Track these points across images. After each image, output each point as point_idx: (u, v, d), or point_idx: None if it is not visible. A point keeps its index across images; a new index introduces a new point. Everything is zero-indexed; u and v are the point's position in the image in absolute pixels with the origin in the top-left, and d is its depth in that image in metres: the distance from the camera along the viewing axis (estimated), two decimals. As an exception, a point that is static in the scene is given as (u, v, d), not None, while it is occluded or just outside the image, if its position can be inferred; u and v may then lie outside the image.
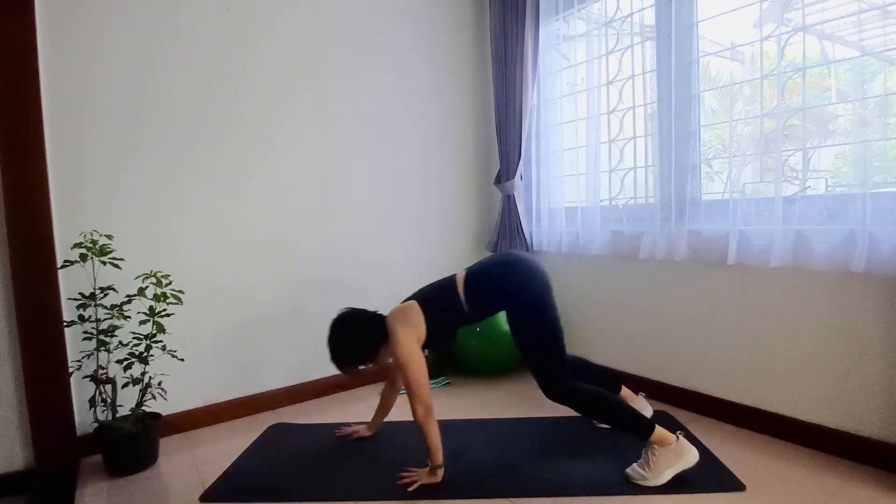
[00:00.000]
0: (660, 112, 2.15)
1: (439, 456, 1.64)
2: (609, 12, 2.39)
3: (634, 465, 1.62)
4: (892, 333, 1.61)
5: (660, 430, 1.59)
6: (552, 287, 1.77)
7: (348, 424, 2.07)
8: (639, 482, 1.58)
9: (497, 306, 1.79)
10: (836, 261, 1.66)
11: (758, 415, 1.92)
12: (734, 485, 1.58)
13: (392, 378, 1.97)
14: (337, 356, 1.75)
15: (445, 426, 2.05)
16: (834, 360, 1.74)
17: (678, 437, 1.60)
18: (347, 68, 2.53)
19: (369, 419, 2.03)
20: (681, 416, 2.08)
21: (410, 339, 1.68)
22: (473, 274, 1.78)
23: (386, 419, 2.01)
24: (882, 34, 1.63)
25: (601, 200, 2.44)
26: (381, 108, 2.66)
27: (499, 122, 2.80)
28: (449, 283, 1.79)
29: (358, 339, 1.75)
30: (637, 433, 1.61)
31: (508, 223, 2.78)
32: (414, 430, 2.02)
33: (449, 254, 2.93)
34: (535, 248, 2.79)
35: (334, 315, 1.78)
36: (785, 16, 1.81)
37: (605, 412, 1.70)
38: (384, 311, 1.82)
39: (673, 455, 1.58)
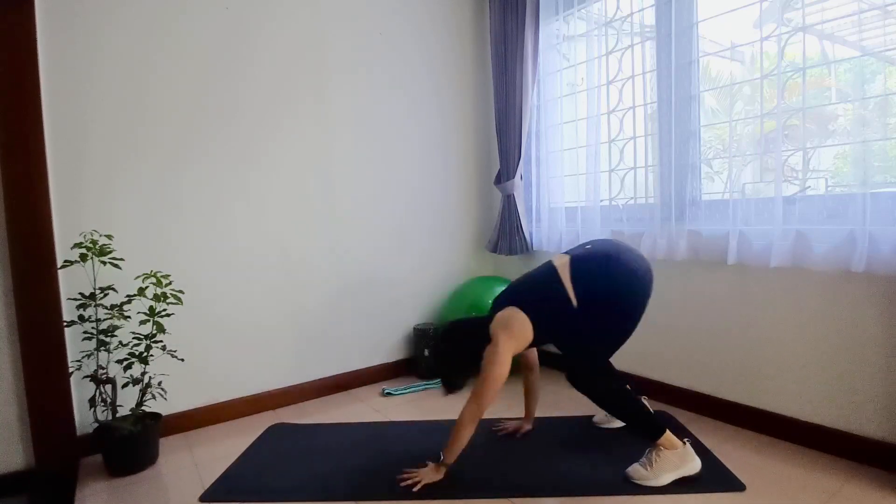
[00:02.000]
0: (660, 112, 2.15)
1: (455, 456, 1.62)
2: (609, 12, 2.39)
3: (636, 463, 1.62)
4: (892, 333, 1.61)
5: (669, 435, 1.60)
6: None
7: (504, 421, 2.03)
8: (638, 481, 1.58)
9: (611, 307, 1.61)
10: (836, 261, 1.66)
11: (758, 415, 1.92)
12: (734, 485, 1.58)
13: (527, 358, 1.92)
14: (445, 375, 1.79)
15: (446, 426, 2.06)
16: (834, 360, 1.74)
17: (685, 444, 1.61)
18: (347, 68, 2.53)
19: (369, 419, 2.02)
20: (681, 416, 2.08)
21: (508, 348, 1.59)
22: (581, 263, 1.63)
23: (390, 419, 1.99)
24: (882, 34, 1.63)
25: (601, 200, 2.44)
26: (381, 108, 2.66)
27: (499, 122, 2.80)
28: (550, 275, 1.65)
29: (465, 352, 1.74)
30: (648, 433, 1.61)
31: (508, 223, 2.78)
32: (417, 429, 2.04)
33: (449, 254, 2.93)
34: (535, 248, 2.80)
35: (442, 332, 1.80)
36: (785, 16, 1.80)
37: (623, 408, 1.66)
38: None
39: (677, 459, 1.58)
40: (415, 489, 1.58)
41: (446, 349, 1.75)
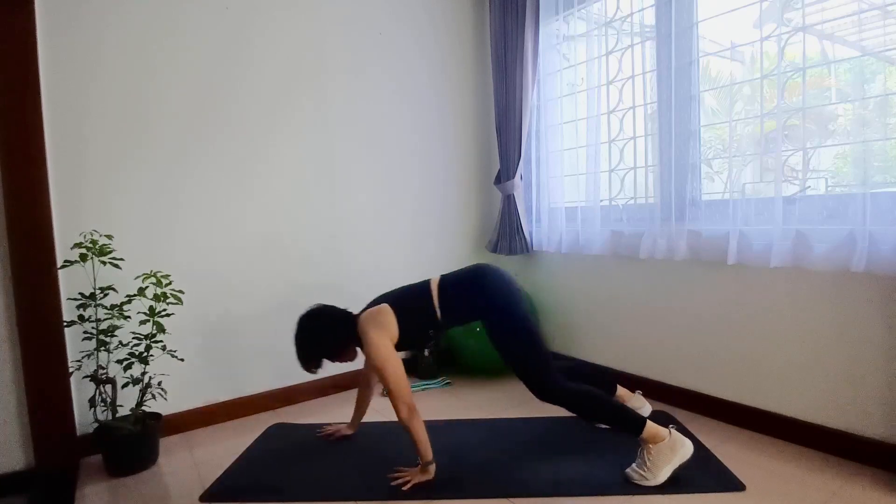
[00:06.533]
0: (660, 112, 2.15)
1: (429, 452, 1.64)
2: (609, 12, 2.39)
3: (633, 465, 1.62)
4: (892, 334, 1.61)
5: (651, 426, 1.59)
6: (522, 296, 1.79)
7: (329, 424, 2.08)
8: (639, 483, 1.58)
9: (470, 316, 1.78)
10: (836, 261, 1.66)
11: (758, 415, 1.92)
12: (734, 485, 1.58)
13: (366, 376, 1.99)
14: (303, 351, 1.77)
15: (446, 426, 2.07)
16: (834, 360, 1.74)
17: (671, 432, 1.60)
18: (347, 68, 2.53)
19: (369, 419, 2.03)
20: (681, 416, 2.08)
21: (385, 342, 1.67)
22: (448, 281, 1.79)
23: (391, 419, 1.99)
24: (882, 34, 1.63)
25: (601, 200, 2.44)
26: (381, 108, 2.66)
27: (499, 122, 2.80)
28: (423, 287, 1.79)
29: (327, 335, 1.76)
30: (628, 429, 1.61)
31: (508, 223, 2.78)
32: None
33: (449, 254, 2.93)
34: (535, 248, 2.80)
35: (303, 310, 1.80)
36: (785, 16, 1.80)
37: (595, 410, 1.70)
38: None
39: (668, 451, 1.58)
40: (405, 488, 1.60)
41: (311, 326, 1.77)
